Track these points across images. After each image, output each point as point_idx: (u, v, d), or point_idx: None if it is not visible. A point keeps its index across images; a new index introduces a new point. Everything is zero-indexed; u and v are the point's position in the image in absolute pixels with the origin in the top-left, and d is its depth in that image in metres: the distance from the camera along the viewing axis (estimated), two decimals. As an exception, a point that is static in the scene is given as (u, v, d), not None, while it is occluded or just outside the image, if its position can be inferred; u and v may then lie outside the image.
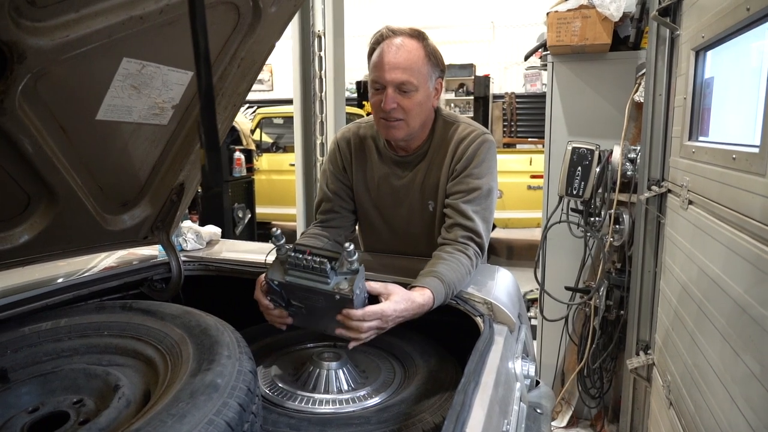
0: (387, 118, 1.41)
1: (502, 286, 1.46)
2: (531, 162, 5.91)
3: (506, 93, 10.30)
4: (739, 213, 1.23)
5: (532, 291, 3.96)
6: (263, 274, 1.28)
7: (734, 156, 1.27)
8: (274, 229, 1.19)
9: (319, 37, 3.02)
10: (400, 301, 1.15)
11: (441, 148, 1.51)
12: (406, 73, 1.37)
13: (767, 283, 1.06)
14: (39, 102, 1.00)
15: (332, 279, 1.13)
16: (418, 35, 1.41)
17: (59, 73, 0.98)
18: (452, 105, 10.03)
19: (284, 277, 1.16)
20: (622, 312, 2.42)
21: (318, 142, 3.15)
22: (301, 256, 1.14)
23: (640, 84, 2.33)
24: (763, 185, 1.10)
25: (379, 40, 1.42)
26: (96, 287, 1.38)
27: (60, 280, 1.37)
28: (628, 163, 2.32)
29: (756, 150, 1.14)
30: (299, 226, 3.56)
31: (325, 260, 1.12)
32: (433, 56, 1.43)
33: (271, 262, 1.20)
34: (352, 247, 1.12)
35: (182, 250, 1.68)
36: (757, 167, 1.12)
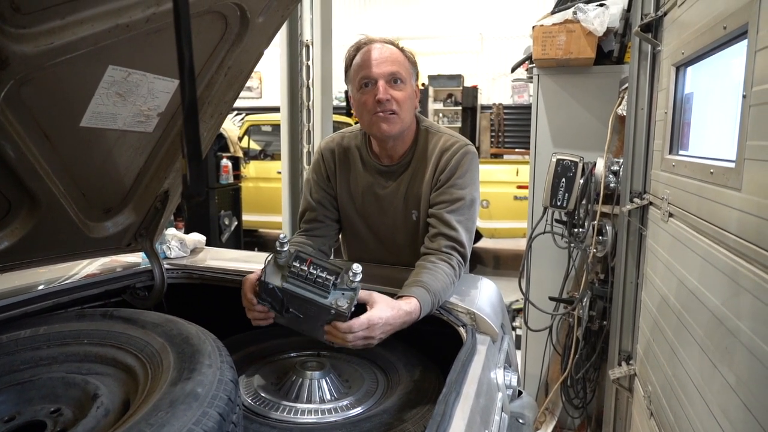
0: (382, 110, 1.42)
1: (485, 296, 1.47)
2: (518, 172, 5.97)
3: (494, 104, 10.40)
4: (717, 226, 1.25)
5: (517, 301, 3.98)
6: (253, 273, 1.29)
7: (712, 170, 1.30)
8: (282, 236, 1.19)
9: (307, 47, 3.04)
10: (385, 308, 1.16)
11: (424, 158, 1.53)
12: (395, 65, 1.43)
13: (742, 296, 1.08)
14: (22, 108, 0.99)
15: (331, 294, 1.13)
16: (393, 42, 1.50)
17: (43, 80, 0.98)
18: (440, 115, 10.09)
19: (282, 282, 1.15)
20: (605, 322, 2.44)
21: (305, 150, 3.16)
22: (301, 266, 1.13)
23: (623, 98, 2.37)
24: (738, 199, 1.12)
25: (359, 47, 1.48)
26: (77, 295, 1.36)
27: (40, 288, 1.35)
28: (611, 176, 2.35)
29: (732, 165, 1.17)
30: (285, 233, 3.56)
31: (328, 275, 1.13)
32: (410, 58, 1.50)
33: (269, 261, 1.18)
34: (360, 269, 1.13)
35: (166, 257, 1.67)
36: (733, 182, 1.15)
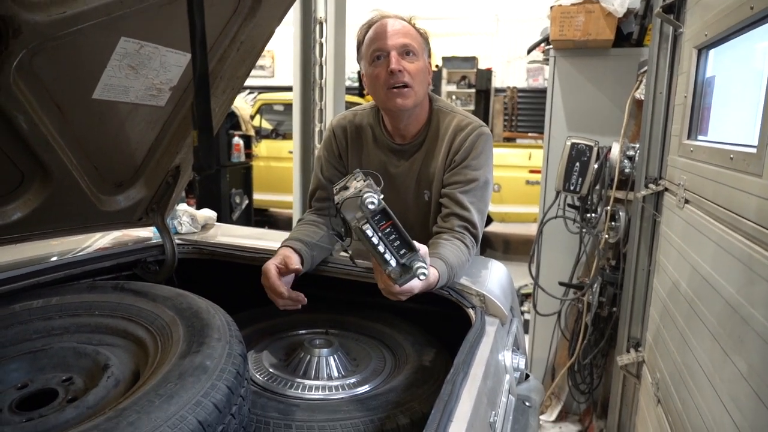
0: (395, 84, 1.40)
1: (496, 278, 1.46)
2: (530, 157, 5.91)
3: (508, 87, 10.25)
4: (734, 213, 1.23)
5: (526, 285, 3.97)
6: (271, 262, 1.28)
7: (732, 156, 1.27)
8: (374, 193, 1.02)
9: (321, 24, 3.00)
10: (425, 279, 1.14)
11: (437, 138, 1.51)
12: (407, 38, 1.42)
13: (758, 284, 1.06)
14: (34, 79, 0.99)
15: (395, 262, 1.03)
16: (405, 18, 1.48)
17: (56, 51, 0.98)
18: (453, 97, 9.98)
19: (356, 223, 0.99)
20: (614, 309, 2.43)
21: (317, 129, 3.14)
22: (380, 223, 1.00)
23: (641, 81, 2.32)
24: (759, 186, 1.10)
25: (371, 23, 1.46)
26: (88, 267, 1.37)
27: (53, 259, 1.36)
28: (626, 161, 2.32)
29: (753, 150, 1.14)
30: (295, 213, 3.56)
31: (402, 246, 1.02)
32: (423, 35, 1.49)
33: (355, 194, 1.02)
34: (425, 269, 1.04)
35: (177, 233, 1.68)
36: (754, 167, 1.12)
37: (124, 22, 1.03)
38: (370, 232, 0.99)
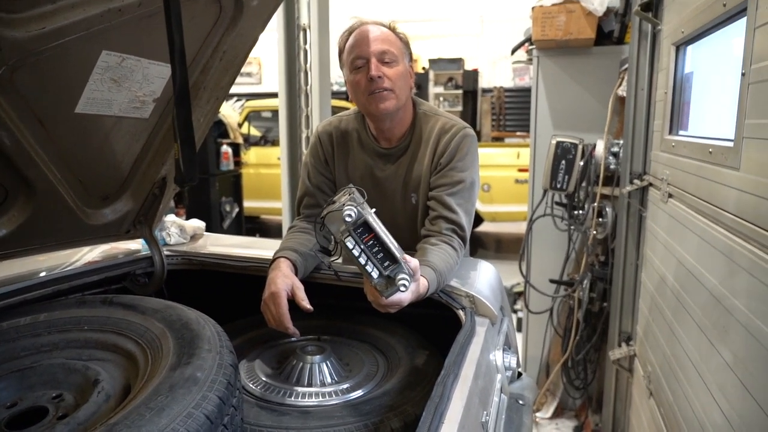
0: (376, 89, 1.42)
1: (485, 279, 1.47)
2: (518, 156, 5.94)
3: (495, 87, 10.30)
4: (715, 206, 1.24)
5: (518, 284, 3.99)
6: (279, 286, 1.26)
7: (710, 150, 1.29)
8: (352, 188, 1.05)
9: (304, 31, 3.01)
10: (414, 290, 1.15)
11: (423, 141, 1.52)
12: (386, 44, 1.44)
13: (739, 275, 1.08)
14: (16, 94, 0.99)
15: (379, 274, 1.04)
16: (385, 23, 1.50)
17: (37, 66, 0.98)
18: (441, 99, 10.02)
19: (341, 236, 1.01)
20: (605, 304, 2.45)
21: (303, 135, 3.15)
22: (363, 236, 1.01)
23: (623, 78, 2.34)
24: (737, 179, 1.12)
25: (350, 30, 1.48)
26: (77, 282, 1.37)
27: (41, 275, 1.36)
28: (611, 157, 2.34)
29: (730, 144, 1.16)
30: (285, 219, 3.56)
31: (384, 258, 1.03)
32: (402, 39, 1.50)
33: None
34: (408, 283, 1.05)
35: (165, 244, 1.67)
36: (732, 161, 1.14)
37: (106, 36, 1.03)
38: (350, 244, 1.01)
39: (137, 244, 1.64)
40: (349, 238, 1.01)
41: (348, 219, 1.00)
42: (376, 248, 1.03)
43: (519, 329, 3.18)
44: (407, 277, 1.05)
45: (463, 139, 1.49)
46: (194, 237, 1.77)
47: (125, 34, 1.07)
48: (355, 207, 1.01)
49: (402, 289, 1.05)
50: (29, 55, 0.94)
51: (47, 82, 1.03)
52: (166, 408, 0.80)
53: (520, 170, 5.80)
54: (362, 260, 1.03)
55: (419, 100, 1.61)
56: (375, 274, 1.04)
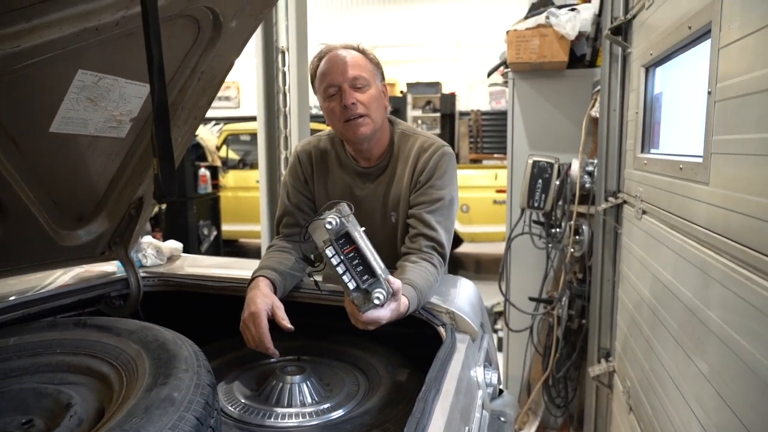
0: (351, 116, 1.43)
1: (465, 296, 1.48)
2: (496, 177, 6.03)
3: (472, 110, 10.47)
4: (687, 220, 1.28)
5: (498, 304, 4.00)
6: (260, 307, 1.25)
7: (681, 166, 1.33)
8: (344, 207, 1.04)
9: (283, 53, 3.04)
10: (395, 309, 1.15)
11: (402, 160, 1.54)
12: (356, 69, 1.44)
13: (713, 287, 1.10)
14: (-12, 113, 0.98)
15: (357, 290, 1.05)
16: (353, 46, 1.50)
17: (10, 84, 0.97)
18: (419, 122, 10.14)
19: (324, 247, 1.02)
20: (583, 321, 2.47)
21: (282, 156, 3.15)
22: (344, 248, 1.02)
23: (596, 100, 2.41)
24: (706, 193, 1.15)
25: (320, 57, 1.49)
26: (48, 305, 1.33)
27: (11, 299, 1.32)
28: (586, 176, 2.39)
29: (700, 160, 1.20)
30: (264, 242, 3.53)
31: (364, 272, 1.04)
32: (373, 60, 1.51)
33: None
34: (384, 297, 1.06)
35: (142, 266, 1.64)
36: (701, 176, 1.18)
37: (81, 55, 1.03)
38: (330, 253, 1.02)
39: (111, 266, 1.61)
40: (330, 247, 1.02)
41: (329, 227, 1.01)
42: (356, 261, 1.04)
43: (500, 349, 3.18)
44: (383, 291, 1.06)
45: (441, 158, 1.51)
46: (171, 258, 1.74)
47: (102, 53, 1.07)
48: (338, 217, 1.02)
49: (376, 302, 1.05)
50: (2, 74, 0.93)
51: (21, 101, 1.02)
52: (141, 430, 0.78)
53: (498, 191, 5.88)
54: (340, 270, 1.04)
55: (396, 119, 1.63)
56: (351, 286, 1.05)
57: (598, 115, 2.29)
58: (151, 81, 0.67)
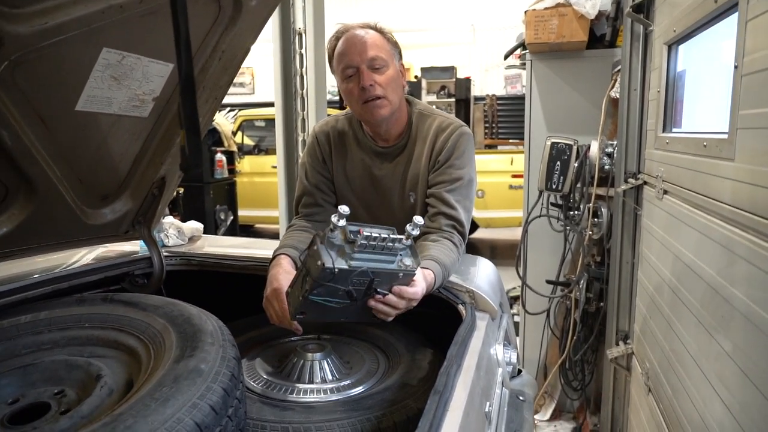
0: (368, 98, 1.42)
1: (484, 275, 1.48)
2: (512, 162, 5.98)
3: (487, 95, 10.39)
4: (711, 198, 1.26)
5: (515, 288, 4.00)
6: (276, 283, 1.25)
7: (705, 144, 1.31)
8: (343, 209, 1.00)
9: (300, 35, 3.04)
10: (422, 282, 1.16)
11: (420, 140, 1.54)
12: (374, 50, 1.43)
13: (738, 264, 1.09)
14: (17, 91, 0.99)
15: (396, 257, 1.05)
16: (371, 25, 1.49)
17: (38, 62, 0.98)
18: (434, 107, 10.08)
19: (348, 262, 1.01)
20: (601, 304, 2.45)
21: (300, 139, 3.16)
22: (363, 238, 1.00)
23: (615, 80, 2.37)
24: (732, 169, 1.13)
25: (338, 37, 1.48)
26: (76, 281, 1.36)
27: (38, 276, 1.35)
28: (605, 158, 2.37)
29: (725, 136, 1.18)
30: (282, 225, 3.55)
31: (390, 238, 1.02)
32: (390, 40, 1.50)
33: (317, 248, 1.00)
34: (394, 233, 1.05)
35: (164, 246, 1.67)
36: (727, 152, 1.16)
37: (106, 33, 1.04)
38: (360, 260, 1.01)
39: (133, 246, 1.64)
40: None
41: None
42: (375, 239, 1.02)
43: (516, 333, 3.18)
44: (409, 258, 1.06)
45: (460, 137, 1.51)
46: (192, 239, 1.77)
47: (126, 32, 1.07)
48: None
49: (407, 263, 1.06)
50: (31, 51, 0.94)
51: (48, 79, 1.04)
52: (170, 399, 0.80)
53: (514, 176, 5.83)
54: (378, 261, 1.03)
55: (414, 99, 1.63)
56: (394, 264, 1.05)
57: (617, 96, 2.25)
58: (177, 52, 0.67)
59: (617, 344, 2.21)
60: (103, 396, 0.91)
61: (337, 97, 8.87)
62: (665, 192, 1.69)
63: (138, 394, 0.83)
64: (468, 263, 1.54)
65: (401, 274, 1.08)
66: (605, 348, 2.35)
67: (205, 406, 0.82)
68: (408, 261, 1.08)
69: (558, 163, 2.43)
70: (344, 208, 1.00)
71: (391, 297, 1.11)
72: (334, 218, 1.00)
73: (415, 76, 10.06)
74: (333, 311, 1.10)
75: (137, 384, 0.92)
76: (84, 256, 1.56)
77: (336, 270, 0.99)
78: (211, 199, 4.99)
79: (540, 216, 2.62)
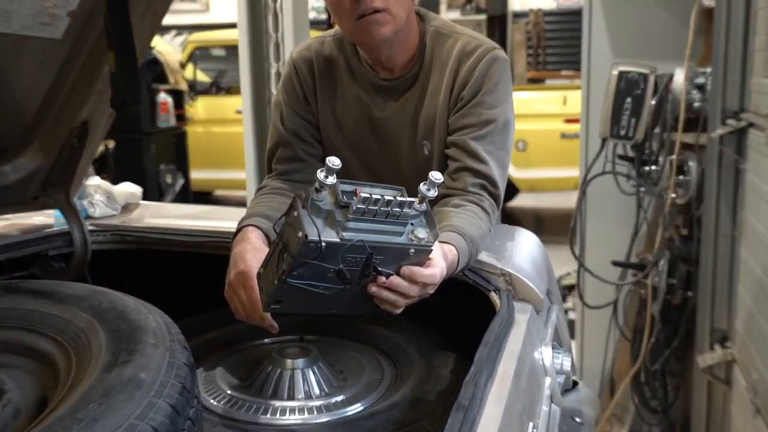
0: (364, 11, 1.40)
1: (525, 252, 1.49)
2: (565, 101, 5.96)
3: (531, 10, 10.28)
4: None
5: (569, 274, 4.02)
6: (245, 264, 1.26)
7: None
8: (332, 160, 0.98)
9: (270, -75, 2.99)
10: (441, 261, 1.16)
11: (437, 69, 1.53)
12: None
13: None
14: None
15: (405, 227, 1.05)
16: None
17: None
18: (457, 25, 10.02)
19: (340, 233, 1.01)
20: (689, 293, 2.47)
21: (273, 71, 3.13)
22: (360, 202, 1.00)
23: (711, -18, 2.34)
24: None
25: None
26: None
27: None
28: (694, 91, 2.35)
29: None
30: (250, 191, 3.56)
31: (396, 200, 1.01)
32: None
33: (298, 214, 1.00)
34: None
35: (88, 216, 1.68)
36: None
37: None
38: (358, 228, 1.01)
39: (47, 218, 1.65)
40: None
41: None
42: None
43: (571, 335, 3.20)
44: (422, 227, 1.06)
45: (492, 64, 1.49)
46: (127, 207, 1.78)
47: None
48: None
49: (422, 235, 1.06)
50: None
51: None
52: (99, 418, 0.81)
53: (568, 121, 5.81)
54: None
55: (428, 13, 1.61)
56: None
57: (713, 4, 2.22)
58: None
59: (711, 349, 2.23)
60: (6, 419, 0.92)
61: (324, 15, 8.80)
62: (779, 137, 1.67)
63: (55, 413, 0.84)
64: (504, 236, 1.55)
65: (412, 251, 1.07)
66: (695, 354, 2.36)
67: (146, 428, 0.83)
68: (422, 233, 1.07)
69: (628, 100, 2.42)
70: (334, 160, 0.99)
71: (398, 281, 1.10)
72: (320, 174, 0.99)
73: (434, -15, 9.97)
74: (320, 300, 1.10)
75: (53, 401, 0.93)
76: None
77: (323, 244, 0.98)
78: (152, 157, 5.00)
79: (603, 173, 2.61)
